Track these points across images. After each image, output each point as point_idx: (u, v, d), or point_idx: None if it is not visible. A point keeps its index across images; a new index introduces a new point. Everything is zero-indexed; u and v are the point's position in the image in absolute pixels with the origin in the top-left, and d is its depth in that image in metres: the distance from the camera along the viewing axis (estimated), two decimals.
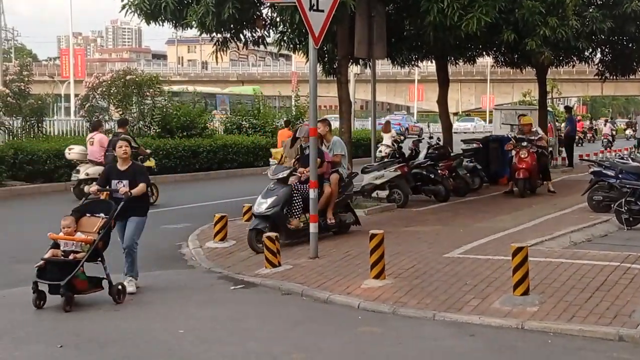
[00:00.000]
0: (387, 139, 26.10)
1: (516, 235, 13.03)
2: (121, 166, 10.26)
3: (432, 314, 8.74)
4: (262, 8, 17.19)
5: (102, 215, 9.64)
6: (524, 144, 18.94)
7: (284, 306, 9.57)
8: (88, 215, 9.74)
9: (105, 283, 9.44)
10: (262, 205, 11.95)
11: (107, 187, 10.14)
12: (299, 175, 12.67)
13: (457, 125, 36.64)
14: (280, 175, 12.39)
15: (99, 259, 9.46)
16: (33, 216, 17.47)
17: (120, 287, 9.43)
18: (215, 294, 10.26)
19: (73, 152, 21.00)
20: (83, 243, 9.33)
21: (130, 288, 9.84)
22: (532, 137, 19.44)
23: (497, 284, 9.62)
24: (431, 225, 14.84)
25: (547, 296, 9.08)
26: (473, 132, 48.49)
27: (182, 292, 10.38)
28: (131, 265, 10.10)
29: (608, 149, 41.49)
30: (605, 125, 53.86)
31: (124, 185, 9.85)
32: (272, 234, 11.46)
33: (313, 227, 11.74)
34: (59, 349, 7.64)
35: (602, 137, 49.16)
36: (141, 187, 9.93)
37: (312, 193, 11.79)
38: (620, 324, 8.14)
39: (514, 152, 19.29)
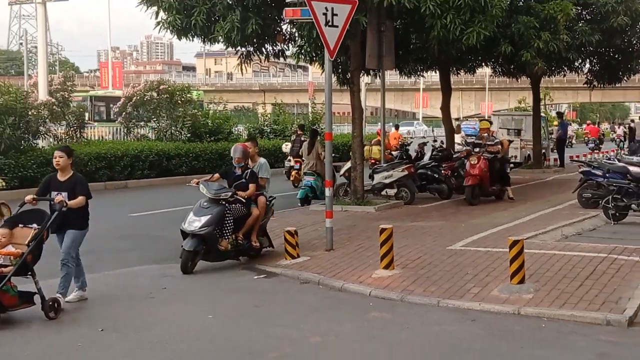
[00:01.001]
0: (458, 138, 26.26)
1: (512, 229, 12.98)
2: (61, 177, 9.13)
3: (437, 301, 8.73)
4: (282, 24, 17.21)
5: (34, 225, 8.46)
6: (476, 150, 16.85)
7: (302, 294, 9.56)
8: (21, 225, 8.56)
9: (38, 298, 8.25)
10: (195, 223, 10.29)
11: (47, 197, 8.93)
12: (241, 197, 10.89)
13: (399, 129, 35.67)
14: (223, 196, 10.66)
15: (29, 272, 8.27)
16: None
17: (52, 302, 8.21)
18: (240, 283, 10.27)
19: None
20: (12, 257, 8.13)
21: (71, 297, 8.90)
22: (488, 143, 17.23)
23: (495, 274, 9.59)
24: (435, 220, 14.81)
25: (541, 284, 9.05)
26: (412, 137, 46.53)
27: (210, 281, 10.39)
28: (65, 280, 8.72)
29: (621, 148, 41.12)
30: (619, 127, 53.38)
31: (62, 196, 8.68)
32: (292, 229, 11.45)
33: (329, 223, 11.66)
34: (100, 332, 7.68)
35: (616, 138, 48.86)
36: (79, 199, 8.84)
37: (328, 192, 11.78)
38: (607, 309, 8.12)
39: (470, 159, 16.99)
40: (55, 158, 9.25)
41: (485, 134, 17.83)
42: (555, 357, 6.93)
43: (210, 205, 10.48)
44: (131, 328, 7.86)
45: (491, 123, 19.41)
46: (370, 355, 7.04)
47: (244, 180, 10.90)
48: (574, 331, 7.64)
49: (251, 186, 10.87)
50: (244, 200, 10.91)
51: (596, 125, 57.35)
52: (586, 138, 47.88)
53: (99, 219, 16.50)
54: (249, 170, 11.10)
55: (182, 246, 10.33)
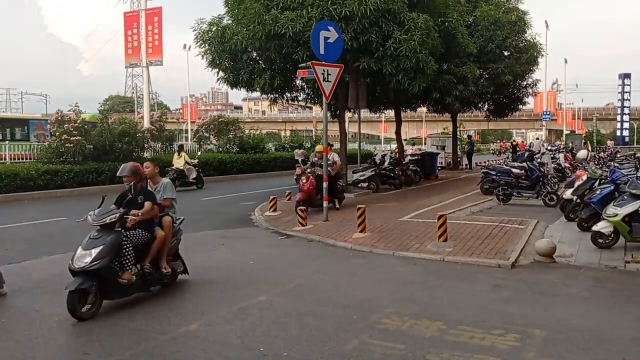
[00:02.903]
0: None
1: (439, 207, 12.99)
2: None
3: (393, 252, 8.73)
4: (296, 80, 17.23)
5: None
6: (308, 170, 13.24)
7: (309, 248, 9.55)
8: None
9: None
10: (85, 258, 5.90)
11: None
12: (132, 219, 6.26)
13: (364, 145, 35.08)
14: (108, 220, 6.10)
15: None
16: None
17: None
18: (270, 240, 10.25)
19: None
20: None
21: None
22: (322, 163, 12.60)
23: (429, 235, 9.59)
24: (391, 202, 14.81)
25: (457, 242, 9.06)
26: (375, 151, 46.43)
27: (251, 239, 10.39)
28: None
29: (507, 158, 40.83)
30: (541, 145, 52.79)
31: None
32: (303, 207, 11.46)
33: (325, 204, 11.69)
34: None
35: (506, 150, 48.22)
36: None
37: (325, 185, 11.80)
38: (499, 257, 8.14)
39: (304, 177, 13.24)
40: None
41: (318, 159, 13.44)
42: (466, 286, 6.92)
43: (101, 234, 6.07)
44: (202, 269, 7.85)
45: (331, 146, 13.56)
46: (351, 286, 7.02)
47: (138, 200, 6.44)
48: (478, 271, 7.65)
49: (147, 204, 6.40)
50: (139, 214, 6.30)
51: (504, 142, 56.93)
52: (504, 149, 47.37)
53: (183, 202, 16.52)
54: (146, 190, 6.63)
55: (65, 288, 5.74)
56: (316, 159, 13.59)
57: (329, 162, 12.53)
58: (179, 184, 18.96)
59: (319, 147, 13.72)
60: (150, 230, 6.53)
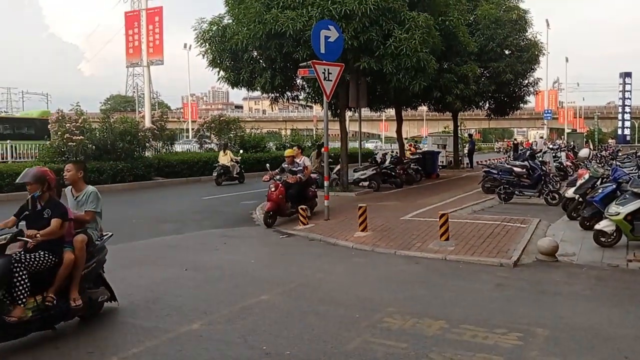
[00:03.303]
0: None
1: (441, 206, 12.98)
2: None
3: (394, 251, 8.73)
4: (297, 79, 17.22)
5: None
6: (277, 177, 11.79)
7: (310, 247, 9.55)
8: None
9: None
10: None
11: None
12: (31, 241, 4.84)
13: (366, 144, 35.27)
14: None
15: None
16: (169, 197, 17.56)
17: None
18: (271, 239, 10.26)
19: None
20: None
21: None
22: (294, 169, 12.10)
23: (431, 234, 9.60)
24: (392, 201, 14.80)
25: (459, 241, 9.06)
26: (376, 149, 46.60)
27: (252, 238, 10.40)
28: None
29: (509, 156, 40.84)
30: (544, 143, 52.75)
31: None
32: (304, 207, 11.43)
33: (327, 202, 11.66)
34: (185, 272, 7.69)
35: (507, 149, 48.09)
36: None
37: (326, 183, 11.79)
38: (501, 256, 8.14)
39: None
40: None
41: (288, 164, 12.25)
42: (468, 285, 6.93)
43: None
44: (204, 268, 7.87)
45: (301, 148, 14.17)
46: (353, 285, 7.02)
47: (44, 215, 5.06)
48: (480, 270, 7.65)
49: (54, 222, 4.98)
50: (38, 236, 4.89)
51: (510, 141, 56.81)
52: (509, 147, 47.27)
53: (183, 200, 16.57)
54: (54, 203, 5.12)
55: None
56: (286, 164, 12.25)
57: (299, 167, 11.96)
58: (225, 178, 21.19)
59: (288, 151, 12.56)
60: (58, 253, 5.12)
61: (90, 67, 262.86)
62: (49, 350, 4.89)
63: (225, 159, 21.76)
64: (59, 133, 19.51)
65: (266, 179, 11.98)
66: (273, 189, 11.45)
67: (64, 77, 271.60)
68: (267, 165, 12.76)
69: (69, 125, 19.46)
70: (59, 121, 20.00)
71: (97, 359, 4.68)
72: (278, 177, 11.86)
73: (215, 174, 21.10)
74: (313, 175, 17.60)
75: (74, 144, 19.08)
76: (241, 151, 25.73)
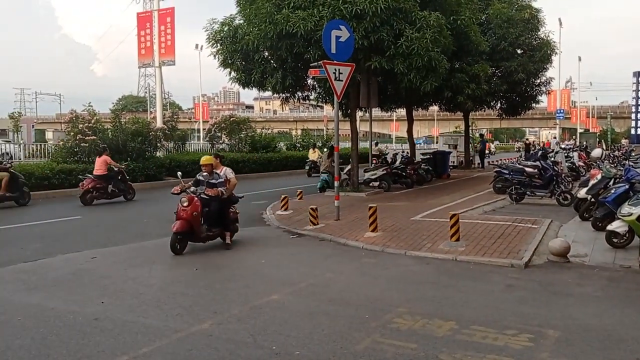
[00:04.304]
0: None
1: (451, 207, 12.94)
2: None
3: (404, 252, 8.71)
4: (307, 79, 17.25)
5: None
6: (191, 189, 9.31)
7: (320, 247, 9.56)
8: None
9: None
10: None
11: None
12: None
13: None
14: None
15: None
16: (180, 196, 17.61)
17: None
18: (282, 240, 10.28)
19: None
20: None
21: None
22: (213, 181, 9.36)
23: (441, 235, 9.56)
24: (403, 201, 14.77)
25: (470, 241, 9.02)
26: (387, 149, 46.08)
27: (263, 239, 10.41)
28: None
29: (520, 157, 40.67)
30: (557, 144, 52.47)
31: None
32: (314, 207, 11.42)
33: (337, 203, 11.62)
34: (196, 271, 7.74)
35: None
36: None
37: (336, 184, 11.77)
38: (512, 257, 8.09)
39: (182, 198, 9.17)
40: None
41: (205, 175, 9.50)
42: (479, 285, 6.89)
43: None
44: (214, 268, 7.91)
45: (221, 158, 10.50)
46: (363, 285, 7.01)
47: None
48: (491, 271, 7.61)
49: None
50: None
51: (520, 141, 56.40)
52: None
53: None
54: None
55: None
56: (203, 175, 9.57)
57: (220, 180, 9.40)
58: (314, 172, 24.54)
59: (205, 159, 9.65)
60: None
61: (103, 67, 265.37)
62: (60, 349, 4.93)
63: (314, 155, 26.07)
64: (71, 133, 19.70)
65: (176, 191, 9.31)
66: (185, 205, 8.92)
67: (77, 77, 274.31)
68: (179, 173, 10.37)
69: (82, 125, 19.64)
70: (72, 122, 20.20)
71: (108, 357, 4.71)
72: (192, 189, 9.34)
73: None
74: (324, 175, 17.73)
75: (87, 144, 19.24)
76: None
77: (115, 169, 16.08)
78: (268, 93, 20.68)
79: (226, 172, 9.92)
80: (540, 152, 16.93)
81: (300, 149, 33.78)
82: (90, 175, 15.77)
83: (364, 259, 8.49)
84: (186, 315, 5.80)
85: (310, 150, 27.68)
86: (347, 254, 8.86)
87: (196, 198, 9.13)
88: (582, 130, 56.12)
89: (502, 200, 14.48)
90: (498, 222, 10.56)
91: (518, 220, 10.69)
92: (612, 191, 9.42)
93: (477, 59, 19.04)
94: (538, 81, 25.89)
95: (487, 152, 32.78)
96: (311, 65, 13.51)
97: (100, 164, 15.78)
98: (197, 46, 47.98)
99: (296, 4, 13.72)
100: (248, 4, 15.32)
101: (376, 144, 28.27)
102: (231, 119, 30.24)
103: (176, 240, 8.77)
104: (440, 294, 6.53)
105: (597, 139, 45.65)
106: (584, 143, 35.84)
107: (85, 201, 15.27)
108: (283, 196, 13.37)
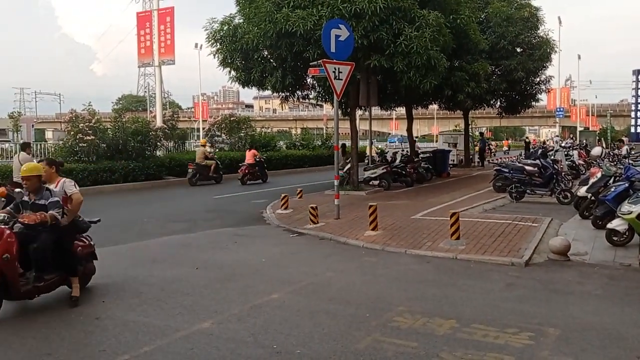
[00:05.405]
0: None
1: (452, 205, 12.91)
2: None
3: (405, 250, 8.72)
4: (307, 78, 17.24)
5: None
6: (2, 217, 5.76)
7: (321, 246, 9.56)
8: None
9: None
10: None
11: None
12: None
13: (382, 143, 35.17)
14: None
15: None
16: (180, 196, 17.64)
17: None
18: (282, 238, 10.27)
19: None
20: None
21: None
22: (40, 201, 5.93)
23: (441, 233, 9.55)
24: (403, 200, 14.76)
25: (470, 240, 9.02)
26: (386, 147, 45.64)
27: (263, 237, 10.39)
28: None
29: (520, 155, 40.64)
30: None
31: None
32: (314, 205, 11.43)
33: (337, 201, 11.62)
34: (197, 270, 7.74)
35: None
36: None
37: (336, 182, 11.76)
38: (512, 255, 8.10)
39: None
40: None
41: (32, 191, 6.03)
42: (479, 284, 6.89)
43: None
44: (215, 267, 7.91)
45: (59, 165, 6.77)
46: (363, 284, 7.01)
47: None
48: (491, 269, 7.61)
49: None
50: None
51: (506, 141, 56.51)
52: (534, 145, 46.88)
53: (195, 200, 16.67)
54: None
55: None
56: (25, 192, 6.19)
57: (53, 199, 5.99)
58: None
59: (30, 168, 6.07)
60: None
61: (103, 67, 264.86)
62: (60, 347, 4.94)
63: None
64: (72, 133, 19.69)
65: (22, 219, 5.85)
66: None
67: (77, 77, 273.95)
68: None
69: (82, 125, 19.64)
70: (72, 121, 20.19)
71: (109, 356, 4.72)
72: (4, 217, 5.83)
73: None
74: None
75: (86, 144, 19.24)
76: (211, 150, 24.72)
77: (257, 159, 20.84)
78: (268, 92, 20.66)
79: (65, 185, 6.43)
80: (540, 151, 16.92)
81: (300, 147, 33.77)
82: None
83: (364, 257, 8.49)
84: (187, 314, 5.80)
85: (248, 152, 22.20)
86: (348, 253, 8.85)
87: (8, 232, 5.62)
88: (581, 129, 56.06)
89: (502, 198, 14.48)
90: (498, 221, 10.56)
91: (518, 219, 10.68)
92: (612, 189, 9.42)
93: (477, 57, 19.01)
94: (538, 79, 25.86)
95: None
96: (311, 64, 13.50)
97: (250, 157, 21.07)
98: (196, 45, 47.85)
99: (296, 3, 13.71)
100: (248, 3, 15.31)
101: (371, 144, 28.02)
102: (231, 118, 30.24)
103: None
104: (440, 293, 6.53)
105: (597, 137, 45.62)
106: (584, 141, 35.82)
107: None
108: (283, 195, 13.36)
